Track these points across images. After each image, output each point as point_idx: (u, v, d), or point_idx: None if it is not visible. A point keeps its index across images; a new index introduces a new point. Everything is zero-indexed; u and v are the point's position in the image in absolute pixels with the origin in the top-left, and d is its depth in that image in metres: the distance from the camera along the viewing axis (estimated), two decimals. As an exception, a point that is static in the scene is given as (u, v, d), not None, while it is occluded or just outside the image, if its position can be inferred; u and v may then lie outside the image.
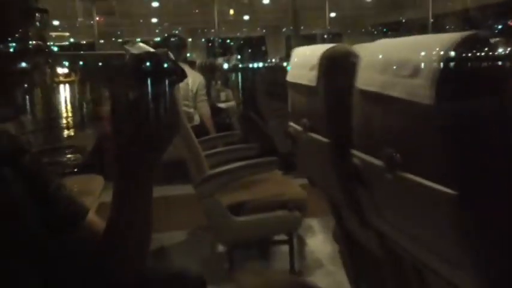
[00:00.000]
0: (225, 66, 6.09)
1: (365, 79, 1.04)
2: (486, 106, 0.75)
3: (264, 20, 12.36)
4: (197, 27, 11.34)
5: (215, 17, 9.39)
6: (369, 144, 1.08)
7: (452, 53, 0.77)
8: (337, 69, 1.26)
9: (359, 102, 1.10)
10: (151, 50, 0.78)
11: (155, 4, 10.25)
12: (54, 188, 0.89)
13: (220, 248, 3.08)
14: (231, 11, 10.18)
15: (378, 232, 1.31)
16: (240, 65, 7.10)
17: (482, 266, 0.81)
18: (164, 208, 3.98)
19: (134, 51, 0.80)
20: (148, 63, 0.73)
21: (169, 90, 0.73)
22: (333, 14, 10.08)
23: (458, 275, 0.91)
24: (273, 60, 6.57)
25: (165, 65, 0.74)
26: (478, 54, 0.77)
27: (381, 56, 0.99)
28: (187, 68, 4.77)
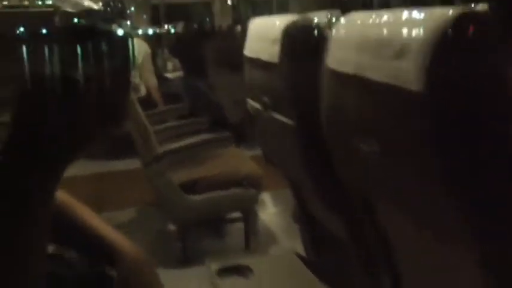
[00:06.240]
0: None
1: (338, 58, 0.93)
2: (485, 94, 0.66)
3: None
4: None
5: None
6: (340, 130, 0.98)
7: (445, 31, 0.67)
8: (302, 45, 1.13)
9: (330, 84, 0.99)
10: (90, 6, 0.61)
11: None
12: None
13: (172, 226, 2.95)
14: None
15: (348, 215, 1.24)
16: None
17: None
18: (111, 184, 3.82)
19: (66, 8, 0.62)
20: (83, 22, 0.57)
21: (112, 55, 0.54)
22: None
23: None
24: (221, 26, 6.27)
25: (103, 26, 0.59)
26: (475, 33, 0.67)
27: (357, 33, 0.88)
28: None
